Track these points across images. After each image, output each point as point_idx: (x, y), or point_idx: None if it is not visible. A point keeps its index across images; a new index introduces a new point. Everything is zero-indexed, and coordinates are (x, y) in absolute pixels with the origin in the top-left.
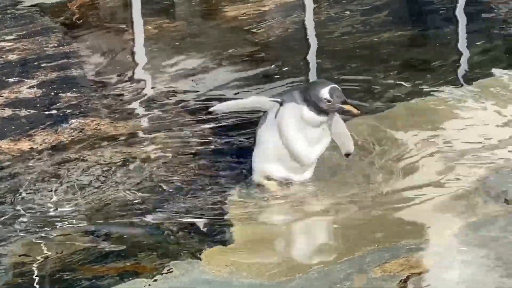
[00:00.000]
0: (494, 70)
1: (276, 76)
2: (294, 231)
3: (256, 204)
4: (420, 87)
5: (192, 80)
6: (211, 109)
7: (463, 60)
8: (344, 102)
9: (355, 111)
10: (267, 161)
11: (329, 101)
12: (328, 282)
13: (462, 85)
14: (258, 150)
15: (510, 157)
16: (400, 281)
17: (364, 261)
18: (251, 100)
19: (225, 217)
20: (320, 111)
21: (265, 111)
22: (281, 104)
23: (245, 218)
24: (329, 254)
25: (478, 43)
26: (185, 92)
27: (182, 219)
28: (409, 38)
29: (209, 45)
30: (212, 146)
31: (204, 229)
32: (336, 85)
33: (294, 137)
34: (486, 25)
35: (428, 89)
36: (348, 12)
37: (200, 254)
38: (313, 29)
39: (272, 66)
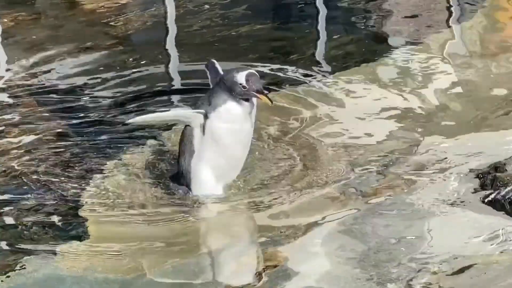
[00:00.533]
0: (351, 63)
1: (134, 70)
2: (150, 228)
3: (111, 200)
4: (277, 80)
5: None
6: (128, 121)
7: (320, 53)
8: (260, 91)
9: (269, 103)
10: (211, 189)
11: (244, 87)
12: (183, 276)
13: (321, 78)
14: (197, 180)
15: (365, 152)
16: (256, 273)
17: (221, 254)
18: (173, 113)
19: (80, 213)
20: (239, 99)
21: (186, 125)
22: (206, 116)
23: (100, 214)
24: (185, 249)
25: (336, 36)
26: (39, 86)
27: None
28: (268, 32)
29: (67, 38)
30: (69, 141)
31: (59, 224)
32: (254, 71)
33: (233, 147)
34: (344, 20)
35: (285, 83)
36: (207, 6)
37: (55, 250)
38: (173, 21)
39: (130, 59)
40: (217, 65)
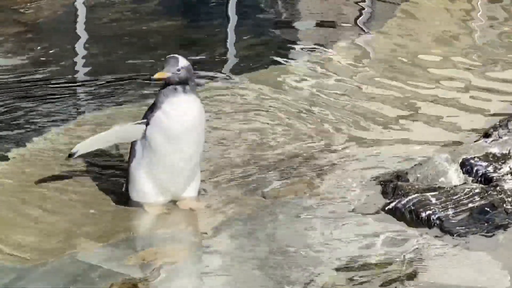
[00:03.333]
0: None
1: (42, 59)
2: (51, 216)
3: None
4: None
5: None
6: (72, 151)
7: (231, 53)
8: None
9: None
10: (147, 196)
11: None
12: (81, 268)
13: (229, 77)
14: (133, 184)
15: (270, 155)
16: (153, 269)
17: (119, 248)
18: (114, 130)
19: None
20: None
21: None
22: (147, 123)
23: (2, 198)
24: (84, 240)
25: (246, 37)
26: None
27: None
28: (179, 29)
29: None
30: None
31: None
32: (173, 56)
33: (171, 155)
34: (254, 22)
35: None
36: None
37: None
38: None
39: (38, 48)
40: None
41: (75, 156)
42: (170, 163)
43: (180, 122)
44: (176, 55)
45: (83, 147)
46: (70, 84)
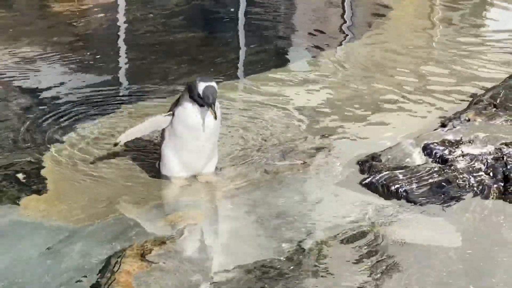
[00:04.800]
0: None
1: (90, 62)
2: (98, 187)
3: (71, 162)
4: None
5: None
6: (117, 141)
7: (241, 58)
8: (209, 105)
9: (213, 118)
10: (171, 168)
11: (199, 96)
12: (121, 228)
13: (239, 78)
14: (163, 161)
15: (271, 138)
16: (179, 229)
17: (152, 213)
18: (149, 121)
19: (41, 171)
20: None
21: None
22: (173, 114)
23: (58, 172)
24: (124, 206)
25: (253, 45)
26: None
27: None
28: (199, 39)
29: (38, 33)
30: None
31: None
32: (213, 85)
33: (191, 141)
34: (260, 32)
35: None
36: (151, 15)
37: (18, 201)
38: (124, 26)
39: (88, 53)
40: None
41: (119, 144)
42: (190, 147)
43: (196, 119)
44: (211, 84)
45: (125, 137)
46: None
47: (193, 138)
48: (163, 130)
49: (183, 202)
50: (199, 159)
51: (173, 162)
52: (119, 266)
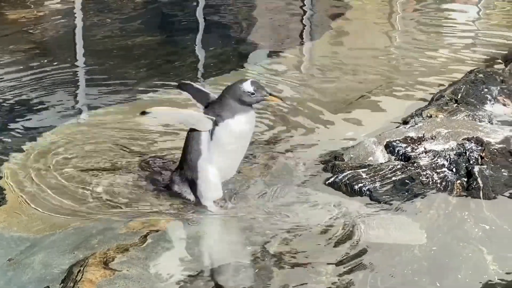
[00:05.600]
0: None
1: (47, 69)
2: (58, 196)
3: (30, 171)
4: (163, 82)
5: None
6: (147, 110)
7: (200, 61)
8: (269, 94)
9: (280, 101)
10: (216, 189)
11: (252, 93)
12: (83, 237)
13: (198, 81)
14: (203, 181)
15: None
16: (141, 236)
17: (114, 220)
18: (190, 113)
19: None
20: (245, 108)
21: (191, 132)
22: (215, 123)
23: (17, 182)
24: (86, 214)
25: (212, 48)
26: None
27: None
28: (157, 43)
29: None
30: None
31: None
32: (254, 79)
33: (236, 152)
34: (219, 34)
35: (171, 83)
36: (108, 20)
37: None
38: (80, 32)
39: (45, 60)
40: (192, 84)
41: (148, 116)
42: (234, 157)
43: (245, 129)
44: (253, 79)
45: (157, 113)
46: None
47: (239, 148)
48: (195, 143)
49: (145, 208)
50: (234, 170)
51: (217, 179)
52: (82, 275)
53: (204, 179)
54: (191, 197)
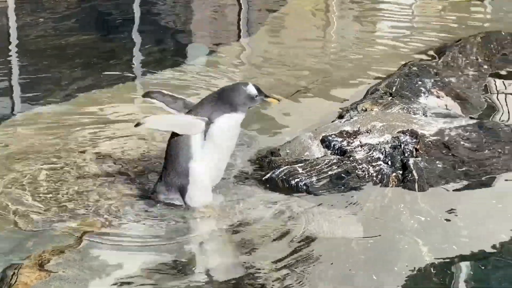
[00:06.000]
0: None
1: None
2: None
3: None
4: (99, 81)
5: None
6: (141, 122)
7: (137, 59)
8: (267, 96)
9: (276, 101)
10: (207, 192)
11: (256, 96)
12: (17, 240)
13: (135, 80)
14: (196, 185)
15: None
16: (77, 237)
17: (49, 222)
18: (182, 118)
19: None
20: (244, 108)
21: (177, 138)
22: (208, 122)
23: None
24: (20, 217)
25: (148, 46)
26: None
27: None
28: (92, 41)
29: None
30: None
31: None
32: (253, 83)
33: (229, 151)
34: (156, 32)
35: (106, 83)
36: (41, 19)
37: None
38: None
39: None
40: (162, 91)
41: (143, 127)
42: (227, 155)
43: (237, 128)
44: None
45: (152, 121)
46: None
47: (230, 147)
48: (182, 153)
49: (81, 210)
50: (222, 173)
51: (208, 182)
52: (16, 278)
53: (196, 183)
54: (180, 203)
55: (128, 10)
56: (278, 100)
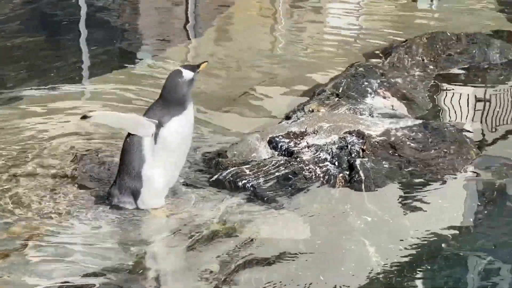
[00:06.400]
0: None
1: None
2: None
3: None
4: (44, 82)
5: None
6: (88, 115)
7: (84, 62)
8: (199, 66)
9: (205, 65)
10: (160, 196)
11: (194, 75)
12: None
13: (81, 82)
14: (148, 189)
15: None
16: (23, 241)
17: None
18: (132, 117)
19: None
20: (189, 95)
21: (131, 140)
22: (158, 125)
23: None
24: None
25: (94, 47)
26: None
27: None
28: (38, 43)
29: None
30: None
31: None
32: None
33: (183, 151)
34: (102, 34)
35: (53, 86)
36: None
37: None
38: None
39: None
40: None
41: (89, 121)
42: (181, 160)
43: (190, 125)
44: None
45: (99, 118)
46: None
47: (184, 150)
48: (133, 156)
49: (25, 213)
50: (177, 174)
51: (162, 186)
52: None
53: (149, 187)
54: (133, 206)
55: (74, 13)
56: (206, 62)
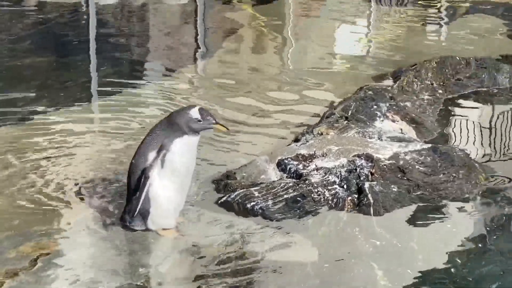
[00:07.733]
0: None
1: None
2: None
3: None
4: (54, 103)
5: None
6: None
7: (93, 81)
8: (215, 122)
9: (224, 129)
10: (171, 217)
11: (199, 120)
12: None
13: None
14: (158, 212)
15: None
16: (31, 260)
17: (3, 244)
18: (146, 188)
19: None
20: (193, 131)
21: (137, 163)
22: (160, 150)
23: None
24: None
25: (104, 67)
26: None
27: None
28: (48, 63)
29: None
30: None
31: None
32: (202, 106)
33: (187, 176)
34: (112, 54)
35: (61, 105)
36: None
37: None
38: None
39: None
40: None
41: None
42: (189, 177)
43: (193, 150)
44: (200, 106)
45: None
46: None
47: (189, 170)
48: (138, 173)
49: (35, 231)
50: (185, 195)
51: (171, 206)
52: None
53: (157, 208)
54: (143, 227)
55: (84, 33)
56: (227, 129)
